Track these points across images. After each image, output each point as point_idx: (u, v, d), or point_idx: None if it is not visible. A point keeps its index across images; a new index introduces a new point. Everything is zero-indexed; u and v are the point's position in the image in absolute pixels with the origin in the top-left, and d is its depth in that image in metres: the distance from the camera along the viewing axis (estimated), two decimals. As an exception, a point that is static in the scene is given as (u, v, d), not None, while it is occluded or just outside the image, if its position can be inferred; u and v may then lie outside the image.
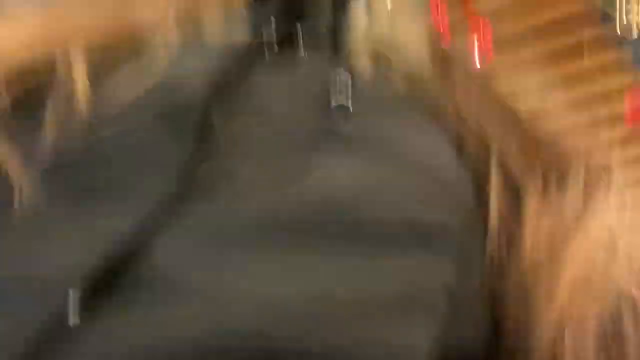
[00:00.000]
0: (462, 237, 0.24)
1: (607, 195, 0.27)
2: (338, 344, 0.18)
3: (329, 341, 0.18)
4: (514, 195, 0.28)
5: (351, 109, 0.26)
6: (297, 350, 0.18)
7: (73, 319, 0.17)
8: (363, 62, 0.33)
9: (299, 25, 0.31)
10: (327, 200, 0.22)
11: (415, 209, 0.23)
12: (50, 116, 0.24)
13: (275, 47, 0.31)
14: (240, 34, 0.30)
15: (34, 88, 0.25)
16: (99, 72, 0.26)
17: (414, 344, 0.20)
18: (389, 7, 0.34)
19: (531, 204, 0.27)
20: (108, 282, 0.18)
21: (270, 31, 0.30)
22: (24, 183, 0.21)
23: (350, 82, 0.27)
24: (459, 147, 0.29)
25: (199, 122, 0.24)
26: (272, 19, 0.31)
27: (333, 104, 0.26)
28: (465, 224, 0.25)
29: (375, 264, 0.21)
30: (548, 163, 0.29)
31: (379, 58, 0.33)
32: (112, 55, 0.27)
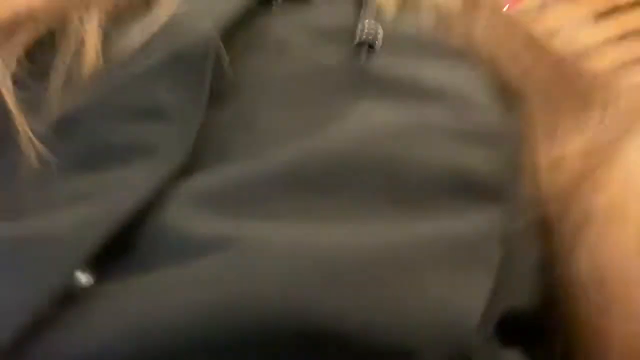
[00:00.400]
0: (507, 180, 0.22)
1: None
2: (379, 307, 0.16)
3: (370, 305, 0.16)
4: (556, 126, 0.26)
5: (379, 43, 0.24)
6: (335, 317, 0.15)
7: (85, 279, 0.16)
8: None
9: None
10: (364, 151, 0.20)
11: (457, 155, 0.21)
12: (61, 64, 0.22)
13: None
14: None
15: (45, 37, 0.24)
16: (109, 21, 0.25)
17: (469, 300, 0.18)
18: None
19: (566, 130, 0.25)
20: (122, 241, 0.17)
21: None
22: (35, 135, 0.20)
23: (376, 17, 0.25)
24: (490, 84, 0.28)
25: (212, 65, 0.22)
26: None
27: (358, 39, 0.24)
28: (511, 162, 0.23)
29: (419, 215, 0.19)
30: (579, 91, 0.27)
31: None
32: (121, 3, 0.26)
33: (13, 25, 0.23)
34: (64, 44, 0.23)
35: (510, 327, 0.20)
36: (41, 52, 0.23)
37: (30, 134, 0.20)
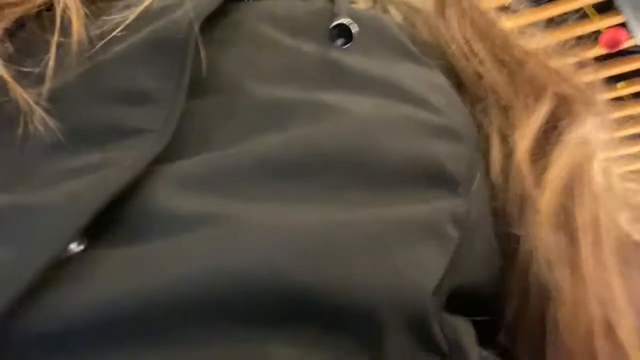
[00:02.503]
0: (465, 172, 0.24)
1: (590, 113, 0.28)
2: (349, 273, 0.18)
3: (341, 271, 0.18)
4: (508, 123, 0.28)
5: (352, 38, 0.25)
6: (312, 282, 0.17)
7: (76, 247, 0.17)
8: None
9: None
10: (337, 140, 0.22)
11: (421, 147, 0.23)
12: (54, 41, 0.22)
13: None
14: None
15: (30, 15, 0.24)
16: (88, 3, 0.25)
17: (426, 271, 0.20)
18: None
19: (523, 127, 0.27)
20: (111, 216, 0.18)
21: None
22: (27, 108, 0.20)
23: (347, 12, 0.27)
24: (457, 78, 0.30)
25: (192, 53, 0.23)
26: None
27: (334, 23, 0.25)
28: (471, 156, 0.25)
29: (385, 199, 0.21)
30: (534, 86, 0.29)
31: None
32: None
33: None
34: (53, 22, 0.23)
35: (463, 299, 0.22)
36: (28, 31, 0.24)
37: (32, 102, 0.20)
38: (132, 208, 0.18)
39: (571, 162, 0.26)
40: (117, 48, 0.23)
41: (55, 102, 0.21)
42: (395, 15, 0.32)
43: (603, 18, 1.36)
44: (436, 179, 0.23)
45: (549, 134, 0.27)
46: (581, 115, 0.28)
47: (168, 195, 0.19)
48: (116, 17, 0.24)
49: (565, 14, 1.43)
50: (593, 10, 1.35)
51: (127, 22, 0.23)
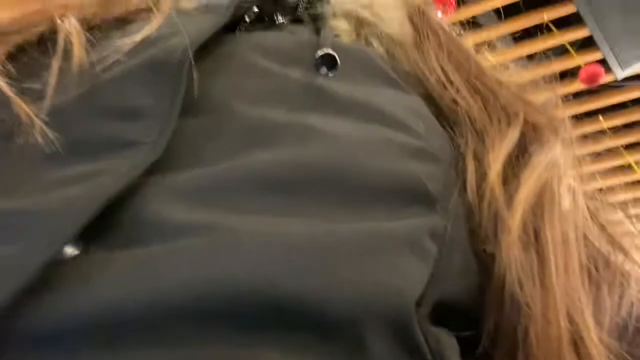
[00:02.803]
0: (442, 191, 0.25)
1: (563, 144, 0.30)
2: (334, 282, 0.19)
3: (326, 280, 0.19)
4: (483, 146, 0.29)
5: (336, 67, 0.27)
6: (299, 290, 0.18)
7: (71, 251, 0.18)
8: (345, 25, 0.34)
9: None
10: (321, 159, 0.23)
11: (401, 167, 0.24)
12: (55, 62, 0.24)
13: (256, 9, 0.32)
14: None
15: (33, 41, 0.25)
16: (88, 28, 0.27)
17: (409, 281, 0.21)
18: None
19: (495, 150, 0.28)
20: (105, 222, 0.19)
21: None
22: (27, 121, 0.21)
23: (332, 44, 0.28)
24: (435, 105, 0.31)
25: (186, 75, 0.24)
26: None
27: (319, 53, 0.27)
28: (447, 177, 0.26)
29: (367, 214, 0.22)
30: (506, 113, 0.31)
31: (360, 21, 0.35)
32: (104, 15, 0.28)
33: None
34: (55, 44, 0.25)
35: (446, 313, 0.23)
36: (31, 54, 0.25)
37: (32, 115, 0.21)
38: (126, 215, 0.19)
39: (540, 184, 0.27)
40: (116, 70, 0.24)
41: (54, 117, 0.22)
42: (378, 47, 0.34)
43: (582, 54, 1.41)
44: (415, 196, 0.24)
45: (520, 157, 0.29)
46: (550, 140, 0.29)
47: (161, 204, 0.20)
48: (116, 42, 0.25)
49: (546, 50, 1.48)
50: (572, 47, 1.41)
51: (127, 48, 0.25)
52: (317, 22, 0.34)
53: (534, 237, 0.25)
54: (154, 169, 0.21)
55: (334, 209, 0.22)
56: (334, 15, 0.34)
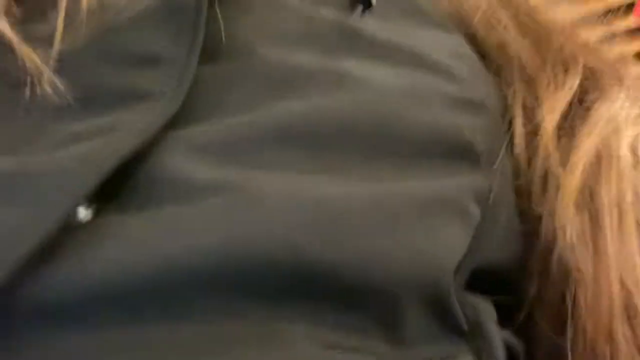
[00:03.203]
0: (488, 147, 0.23)
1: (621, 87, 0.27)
2: (367, 249, 0.17)
3: (359, 246, 0.17)
4: (534, 95, 0.27)
5: (373, 5, 0.24)
6: (328, 256, 0.17)
7: (84, 214, 0.17)
8: None
9: None
10: (357, 110, 0.21)
11: (444, 120, 0.22)
12: (62, 3, 0.22)
13: None
14: None
15: None
16: None
17: (447, 249, 0.19)
18: None
19: (550, 100, 0.26)
20: (122, 181, 0.18)
21: None
22: (35, 70, 0.20)
23: None
24: (480, 47, 0.29)
25: (204, 18, 0.22)
26: None
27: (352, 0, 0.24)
28: (495, 130, 0.24)
29: (407, 172, 0.20)
30: (562, 57, 0.28)
31: None
32: None
33: None
34: None
35: (484, 278, 0.21)
36: None
37: (40, 63, 0.20)
38: (144, 174, 0.18)
39: (599, 142, 0.25)
40: (130, 13, 0.22)
41: (64, 65, 0.21)
42: None
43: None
44: (459, 152, 0.22)
45: (576, 109, 0.26)
46: (610, 90, 0.27)
47: (181, 161, 0.18)
48: None
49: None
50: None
51: None
52: None
53: (589, 198, 0.23)
54: (172, 122, 0.19)
55: (370, 165, 0.20)
56: None
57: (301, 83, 0.22)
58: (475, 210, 0.21)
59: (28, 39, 0.21)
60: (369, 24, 0.25)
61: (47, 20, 0.22)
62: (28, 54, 0.20)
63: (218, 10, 0.23)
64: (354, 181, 0.19)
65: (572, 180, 0.23)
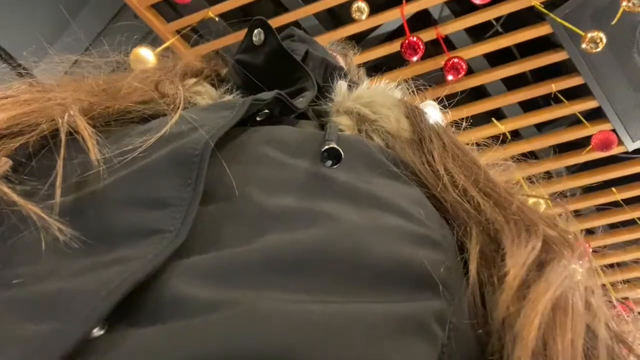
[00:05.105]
0: (450, 277, 0.26)
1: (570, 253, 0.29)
2: (348, 357, 0.20)
3: (341, 355, 0.20)
4: (490, 239, 0.30)
5: (342, 154, 0.29)
6: None
7: (98, 331, 0.19)
8: (347, 121, 0.36)
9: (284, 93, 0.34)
10: (332, 243, 0.24)
11: (407, 252, 0.25)
12: (61, 159, 0.26)
13: (267, 110, 0.34)
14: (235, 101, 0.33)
15: (38, 139, 0.27)
16: (107, 127, 0.28)
17: None
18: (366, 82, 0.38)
19: (515, 255, 0.28)
20: (131, 301, 0.20)
21: (263, 97, 0.33)
22: (46, 222, 0.23)
23: (337, 130, 0.30)
24: (435, 198, 0.32)
25: (204, 168, 0.26)
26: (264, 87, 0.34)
27: (325, 147, 0.29)
28: (452, 265, 0.27)
29: (375, 295, 0.23)
30: (522, 219, 0.31)
31: (361, 118, 0.36)
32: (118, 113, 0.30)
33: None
34: (59, 140, 0.27)
35: None
36: (33, 153, 0.27)
37: (46, 217, 0.23)
38: (150, 295, 0.21)
39: (556, 298, 0.26)
40: (142, 162, 0.26)
41: (72, 212, 0.24)
42: (378, 140, 0.35)
43: (593, 125, 1.43)
44: (421, 281, 0.25)
45: (535, 268, 0.28)
46: (565, 254, 0.29)
47: (184, 284, 0.21)
48: (137, 140, 0.28)
49: (556, 119, 1.50)
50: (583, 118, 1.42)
51: (151, 142, 0.27)
52: (320, 117, 0.36)
53: (542, 347, 0.25)
54: (178, 253, 0.23)
55: (343, 288, 0.23)
56: (337, 112, 0.36)
57: (282, 220, 0.25)
58: (438, 332, 0.23)
59: (28, 195, 0.24)
60: (339, 174, 0.29)
61: (46, 177, 0.25)
62: (32, 210, 0.23)
63: (214, 161, 0.27)
64: (331, 301, 0.22)
65: (530, 332, 0.25)
